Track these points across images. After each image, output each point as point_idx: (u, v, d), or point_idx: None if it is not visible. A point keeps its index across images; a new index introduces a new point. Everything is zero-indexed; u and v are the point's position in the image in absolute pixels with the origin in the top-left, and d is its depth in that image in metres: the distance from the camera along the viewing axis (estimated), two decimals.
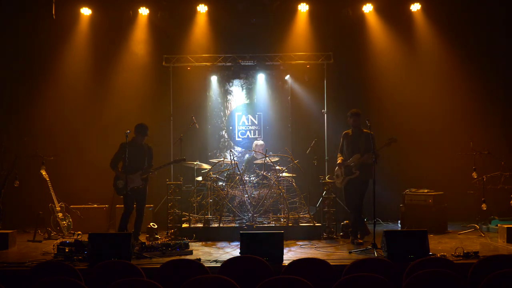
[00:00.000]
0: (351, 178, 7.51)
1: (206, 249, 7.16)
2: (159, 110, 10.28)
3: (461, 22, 9.69)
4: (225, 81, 10.68)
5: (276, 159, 8.96)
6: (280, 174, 8.52)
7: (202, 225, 8.13)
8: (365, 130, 7.49)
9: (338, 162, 7.73)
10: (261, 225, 8.07)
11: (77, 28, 9.98)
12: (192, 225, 8.18)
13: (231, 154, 8.69)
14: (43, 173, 8.46)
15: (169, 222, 8.15)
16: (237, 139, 10.64)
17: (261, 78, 10.59)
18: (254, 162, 9.07)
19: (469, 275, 4.60)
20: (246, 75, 10.64)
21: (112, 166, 7.59)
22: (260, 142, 9.61)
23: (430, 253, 6.14)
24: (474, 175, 8.40)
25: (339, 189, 8.24)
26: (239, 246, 6.24)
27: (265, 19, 9.99)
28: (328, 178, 8.31)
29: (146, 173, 7.58)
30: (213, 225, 8.14)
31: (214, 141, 10.62)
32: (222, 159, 9.35)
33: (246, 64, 10.27)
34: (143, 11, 10.00)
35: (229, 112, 10.67)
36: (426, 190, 8.65)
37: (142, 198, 7.66)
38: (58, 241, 7.04)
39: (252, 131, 10.64)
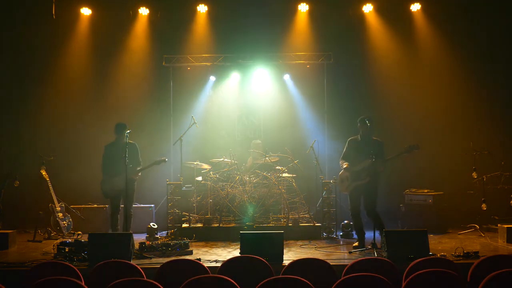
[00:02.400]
0: (359, 184, 7.08)
1: (206, 249, 7.17)
2: (159, 110, 10.28)
3: (461, 22, 9.68)
4: (225, 81, 10.67)
5: (276, 159, 8.96)
6: (280, 174, 8.52)
7: (202, 225, 8.13)
8: (374, 138, 7.23)
9: (345, 166, 7.23)
10: (261, 225, 8.07)
11: (77, 28, 9.98)
12: (192, 225, 8.18)
13: (231, 154, 8.69)
14: (43, 173, 8.46)
15: (169, 222, 8.15)
16: (237, 139, 10.62)
17: (261, 78, 10.57)
18: (254, 162, 9.07)
19: (469, 275, 4.60)
20: (246, 75, 10.64)
21: (103, 170, 7.65)
22: (258, 141, 9.60)
23: (430, 253, 6.14)
24: (474, 175, 8.40)
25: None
26: (239, 246, 6.24)
27: (265, 19, 9.98)
28: (334, 181, 8.15)
29: (130, 175, 7.39)
30: (213, 225, 8.14)
31: (214, 141, 10.61)
32: (222, 159, 9.35)
33: (246, 64, 10.27)
34: (143, 11, 9.99)
35: (229, 112, 10.65)
36: (426, 190, 8.65)
37: (127, 198, 7.45)
38: (58, 241, 7.04)
39: (252, 131, 10.63)
